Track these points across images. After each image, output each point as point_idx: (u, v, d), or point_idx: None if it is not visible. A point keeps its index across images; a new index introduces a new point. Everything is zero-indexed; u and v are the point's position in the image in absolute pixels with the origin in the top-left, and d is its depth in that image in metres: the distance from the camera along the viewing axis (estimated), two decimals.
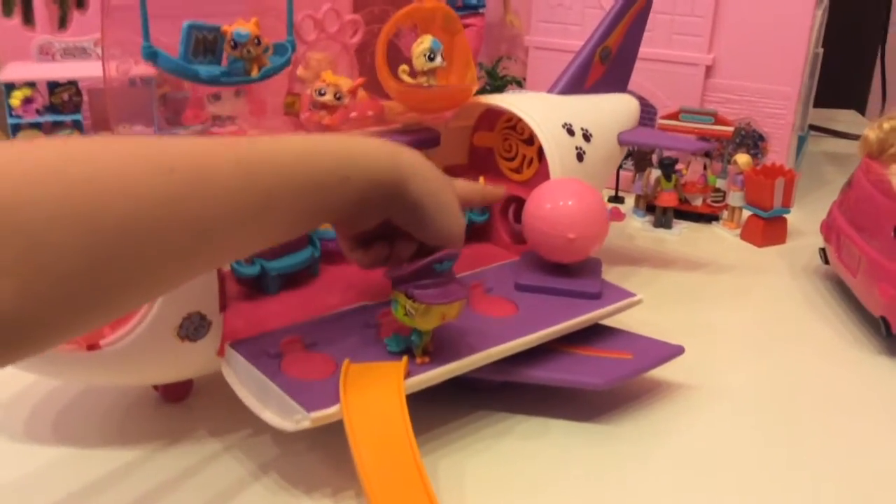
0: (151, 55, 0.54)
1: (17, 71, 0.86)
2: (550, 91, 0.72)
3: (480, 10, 0.96)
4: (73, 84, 0.86)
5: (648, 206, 0.94)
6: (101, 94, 0.89)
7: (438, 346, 0.51)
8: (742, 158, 0.89)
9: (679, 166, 0.93)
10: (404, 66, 0.69)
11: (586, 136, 0.68)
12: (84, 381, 0.54)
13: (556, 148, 0.64)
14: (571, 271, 0.61)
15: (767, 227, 0.87)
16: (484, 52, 1.08)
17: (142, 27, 0.54)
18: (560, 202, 0.58)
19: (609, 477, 0.50)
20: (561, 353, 0.55)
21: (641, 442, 0.53)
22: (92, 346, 0.47)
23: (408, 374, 0.48)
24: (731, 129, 0.91)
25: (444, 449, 0.51)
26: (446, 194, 0.49)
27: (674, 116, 0.93)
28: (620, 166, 0.97)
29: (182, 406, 0.56)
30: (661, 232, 0.90)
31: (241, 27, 0.56)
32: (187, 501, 0.46)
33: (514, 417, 0.55)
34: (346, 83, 0.68)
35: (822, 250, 0.78)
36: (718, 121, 0.92)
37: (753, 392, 0.60)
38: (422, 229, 0.48)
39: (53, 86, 0.86)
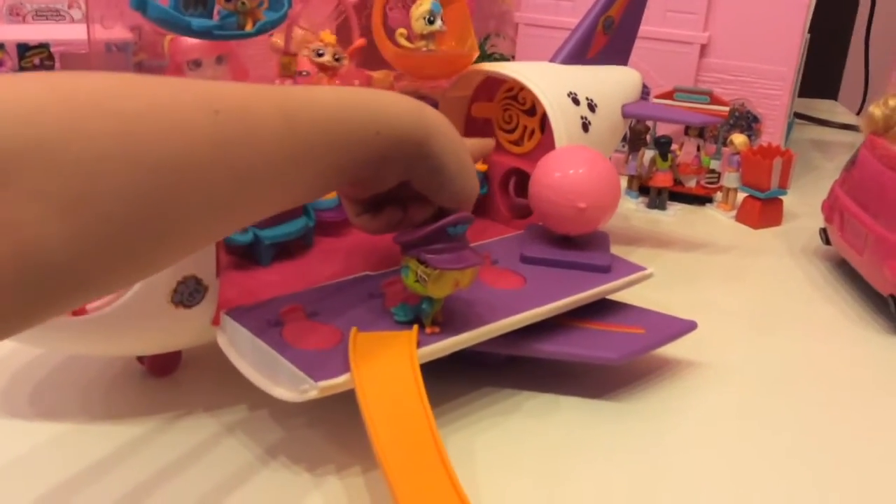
0: (141, 4, 0.51)
1: None
2: (552, 60, 0.70)
3: None
4: (44, 47, 0.81)
5: (642, 188, 0.92)
6: (75, 58, 0.84)
7: (449, 317, 0.48)
8: (738, 139, 0.87)
9: (672, 147, 0.91)
10: (402, 30, 0.66)
11: (591, 107, 0.65)
12: (68, 350, 0.51)
13: (561, 117, 0.62)
14: (579, 244, 0.58)
15: (764, 209, 0.85)
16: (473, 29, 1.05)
17: None
18: (570, 170, 0.55)
19: (619, 454, 0.47)
20: (572, 327, 0.53)
21: (652, 419, 0.51)
22: (78, 311, 0.44)
23: (418, 344, 0.45)
24: (726, 109, 0.89)
25: (450, 426, 0.49)
26: (465, 154, 0.46)
27: (668, 96, 0.91)
28: None
29: (169, 380, 0.52)
30: (656, 213, 0.89)
31: None
32: (181, 481, 0.43)
33: (521, 394, 0.52)
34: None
35: (823, 230, 0.76)
36: (714, 101, 0.90)
37: (760, 371, 0.58)
38: (441, 190, 0.45)
39: (24, 49, 0.81)
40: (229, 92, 0.35)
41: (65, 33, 0.82)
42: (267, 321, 0.46)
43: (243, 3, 0.54)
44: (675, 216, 0.88)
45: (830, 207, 0.74)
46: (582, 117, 0.64)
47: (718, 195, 0.92)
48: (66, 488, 0.42)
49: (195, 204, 0.32)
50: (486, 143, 0.57)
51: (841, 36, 1.55)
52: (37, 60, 0.82)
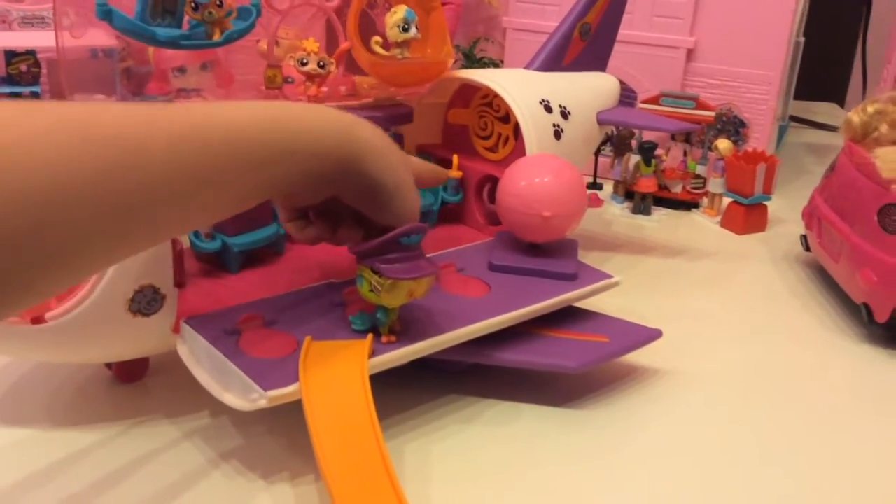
0: (106, 14, 0.51)
1: None
2: (528, 67, 0.70)
3: None
4: (31, 54, 0.82)
5: (627, 193, 0.92)
6: (71, 63, 0.85)
7: (406, 326, 0.48)
8: (723, 144, 0.87)
9: (658, 152, 0.91)
10: (377, 38, 0.66)
11: (564, 114, 0.65)
12: (29, 358, 0.51)
13: (532, 124, 0.62)
14: (547, 252, 0.58)
15: (748, 214, 0.85)
16: (461, 33, 1.05)
17: None
18: (535, 178, 0.56)
19: (580, 463, 0.48)
20: (535, 335, 0.53)
21: (615, 427, 0.51)
22: (36, 320, 0.44)
23: (373, 353, 0.45)
24: (712, 114, 0.89)
25: (408, 434, 0.49)
26: (405, 172, 0.46)
27: (654, 101, 0.91)
28: (599, 151, 0.96)
29: (137, 386, 0.53)
30: (640, 218, 0.88)
31: None
32: (140, 488, 0.44)
33: (483, 402, 0.53)
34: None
35: (804, 237, 0.76)
36: (700, 105, 0.90)
37: (730, 378, 0.58)
38: (378, 209, 0.45)
39: (11, 55, 0.82)
40: (119, 119, 0.34)
41: (50, 40, 0.82)
42: (224, 330, 0.46)
43: (210, 13, 0.54)
44: (660, 221, 0.88)
45: (810, 214, 0.74)
46: (554, 125, 0.64)
47: (704, 201, 0.92)
48: (20, 491, 0.43)
49: (74, 236, 0.31)
50: (439, 172, 0.55)
51: (847, 39, 1.54)
52: (24, 67, 0.83)
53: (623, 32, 0.93)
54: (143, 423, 0.49)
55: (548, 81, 0.67)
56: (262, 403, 0.41)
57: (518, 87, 0.63)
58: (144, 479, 0.44)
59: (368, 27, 0.67)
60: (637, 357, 0.57)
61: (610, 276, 0.57)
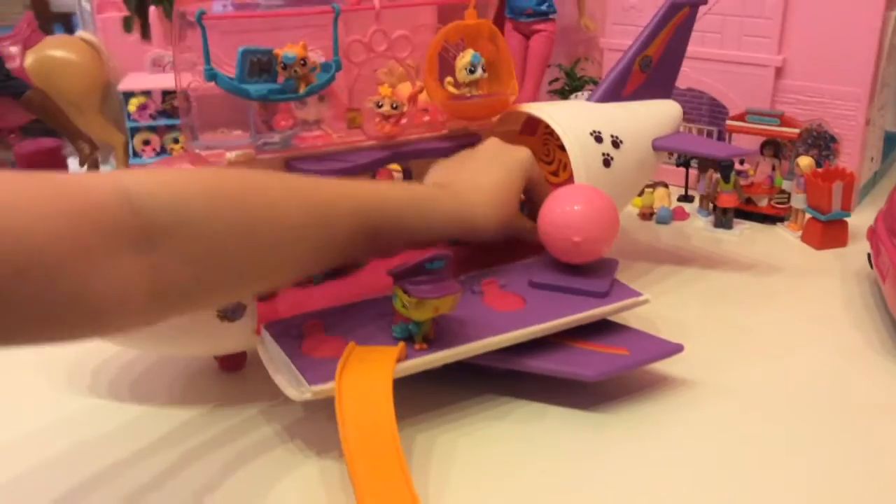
0: (212, 76, 0.64)
1: (134, 81, 0.99)
2: (590, 98, 0.77)
3: (551, 16, 1.00)
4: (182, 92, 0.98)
5: (714, 206, 0.95)
6: (207, 100, 1.00)
7: (440, 334, 0.57)
8: (804, 161, 0.89)
9: (745, 167, 0.94)
10: (450, 79, 0.75)
11: (615, 143, 0.72)
12: (146, 351, 0.65)
13: (580, 153, 0.69)
14: (585, 271, 0.65)
15: (826, 230, 0.87)
16: (563, 54, 1.12)
17: (203, 53, 0.63)
18: (567, 207, 0.63)
19: (598, 461, 0.54)
20: (561, 346, 0.60)
21: (636, 431, 0.57)
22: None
23: (404, 358, 0.55)
24: (797, 130, 0.91)
25: (441, 426, 0.58)
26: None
27: (741, 118, 0.94)
28: (688, 165, 1.00)
29: (238, 374, 0.65)
30: (721, 232, 0.92)
31: (289, 50, 0.64)
32: (220, 456, 0.55)
33: (515, 402, 0.60)
34: (406, 90, 0.75)
35: (869, 255, 0.78)
36: (784, 122, 0.92)
37: (763, 392, 0.62)
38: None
39: (166, 94, 0.98)
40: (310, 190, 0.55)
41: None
42: (290, 334, 0.57)
43: (296, 71, 0.65)
44: (741, 235, 0.91)
45: (872, 232, 0.75)
46: (604, 154, 0.70)
47: (790, 215, 0.94)
48: (143, 455, 0.56)
49: (279, 263, 0.52)
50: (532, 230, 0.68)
51: None
52: (176, 102, 0.98)
53: (714, 51, 0.97)
54: (239, 403, 0.61)
55: (603, 112, 0.74)
56: (308, 396, 0.52)
57: (570, 119, 0.71)
58: (237, 447, 0.56)
59: (444, 68, 0.76)
60: (669, 368, 0.63)
61: (639, 295, 0.63)
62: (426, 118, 0.78)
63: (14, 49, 0.92)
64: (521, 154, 0.67)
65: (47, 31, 1.09)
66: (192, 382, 0.64)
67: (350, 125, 0.72)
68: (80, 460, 0.55)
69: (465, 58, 0.73)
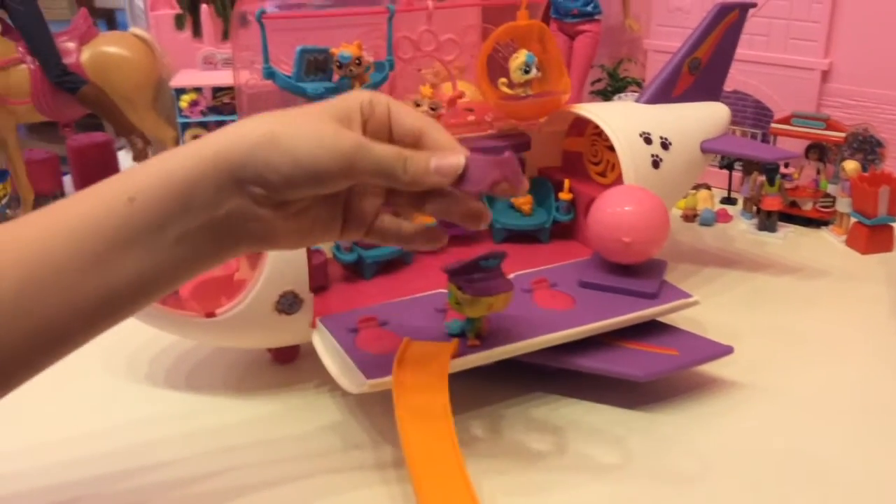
0: (270, 75, 0.65)
1: (186, 78, 1.01)
2: (638, 100, 0.77)
3: (596, 17, 1.00)
4: (231, 89, 1.00)
5: (757, 209, 0.95)
6: (257, 97, 1.02)
7: (494, 332, 0.58)
8: (850, 165, 0.89)
9: (790, 170, 0.94)
10: (503, 79, 0.76)
11: (664, 145, 0.72)
12: (205, 342, 0.66)
13: (630, 155, 0.70)
14: (634, 271, 0.66)
15: (871, 235, 0.86)
16: (607, 54, 1.12)
17: (262, 52, 0.64)
18: (618, 208, 0.63)
19: (647, 460, 0.55)
20: (612, 345, 0.61)
21: (685, 432, 0.58)
22: (209, 315, 0.59)
23: (458, 354, 0.56)
24: (842, 134, 0.91)
25: (489, 417, 0.59)
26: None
27: (786, 121, 0.94)
28: (732, 167, 1.00)
29: (290, 367, 0.67)
30: (764, 235, 0.92)
31: (345, 49, 0.66)
32: (274, 443, 0.57)
33: (563, 400, 0.61)
34: (448, 90, 0.77)
35: None
36: (830, 126, 0.92)
37: (812, 396, 0.62)
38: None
39: (217, 90, 1.00)
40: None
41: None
42: (346, 328, 0.59)
43: (351, 70, 0.67)
44: (784, 239, 0.91)
45: None
46: (653, 155, 0.71)
47: (836, 218, 0.93)
48: (204, 438, 0.57)
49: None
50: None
51: None
52: (226, 99, 1.01)
53: (760, 54, 0.97)
54: (292, 395, 0.62)
55: (652, 114, 0.74)
56: (365, 389, 0.53)
57: (619, 120, 0.71)
58: (291, 436, 0.58)
59: (493, 68, 0.77)
60: (719, 370, 0.63)
61: (689, 296, 0.64)
62: (471, 118, 0.79)
63: (70, 45, 0.95)
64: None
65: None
66: (246, 373, 0.66)
67: None
68: (137, 446, 0.57)
69: (520, 58, 0.74)
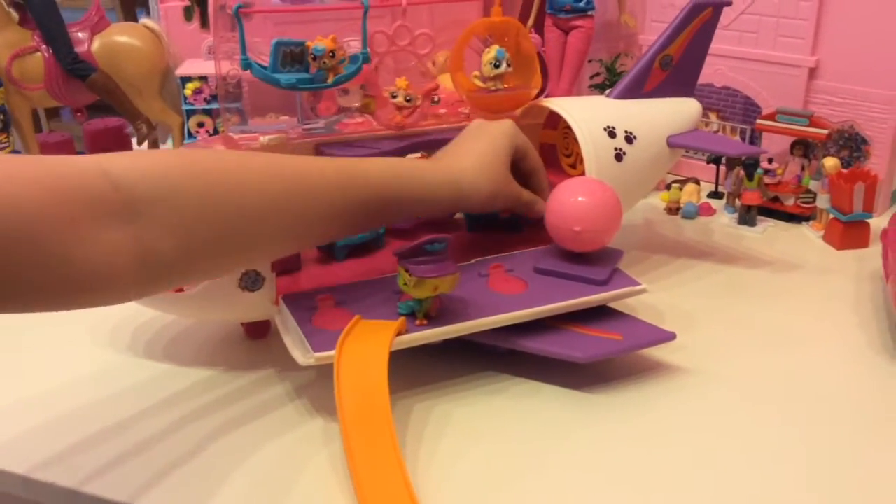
0: (247, 65, 0.69)
1: (191, 67, 1.05)
2: (609, 94, 0.79)
3: (589, 13, 1.02)
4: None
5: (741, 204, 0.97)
6: (260, 86, 1.06)
7: (442, 312, 0.61)
8: (829, 162, 0.90)
9: (774, 165, 0.95)
10: (476, 73, 0.79)
11: (629, 139, 0.74)
12: (180, 315, 0.71)
13: (592, 147, 0.72)
14: (589, 259, 0.68)
15: (847, 231, 0.87)
16: (604, 49, 1.13)
17: (240, 44, 0.68)
18: (570, 199, 0.66)
19: (586, 438, 0.58)
20: (559, 329, 0.64)
21: (624, 412, 0.60)
22: (178, 290, 0.63)
23: (404, 332, 0.59)
24: (825, 131, 0.92)
25: (440, 398, 0.62)
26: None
27: (771, 117, 0.96)
28: (719, 162, 1.01)
29: (262, 342, 0.71)
30: (744, 229, 0.94)
31: (319, 43, 0.69)
32: (232, 410, 0.61)
33: (513, 380, 0.64)
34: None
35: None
36: (814, 123, 0.93)
37: (758, 383, 0.64)
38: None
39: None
40: (291, 165, 0.58)
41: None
42: (305, 306, 0.62)
43: (325, 62, 0.70)
44: (764, 233, 0.93)
45: (885, 234, 0.76)
46: (616, 149, 0.73)
47: (815, 214, 0.94)
48: (168, 408, 0.62)
49: (262, 233, 0.55)
50: (537, 206, 0.71)
51: None
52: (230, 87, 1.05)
53: (749, 50, 0.99)
54: (258, 367, 0.66)
55: (619, 108, 0.76)
56: (311, 361, 0.57)
57: (584, 113, 0.74)
58: (250, 404, 0.62)
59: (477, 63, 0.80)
60: (665, 355, 0.66)
61: (637, 284, 0.66)
62: (463, 109, 0.82)
63: (82, 35, 1.00)
64: (503, 124, 0.69)
65: (131, 16, 1.15)
66: (219, 346, 0.70)
67: (363, 111, 0.77)
68: (108, 409, 0.62)
69: (491, 53, 0.77)
